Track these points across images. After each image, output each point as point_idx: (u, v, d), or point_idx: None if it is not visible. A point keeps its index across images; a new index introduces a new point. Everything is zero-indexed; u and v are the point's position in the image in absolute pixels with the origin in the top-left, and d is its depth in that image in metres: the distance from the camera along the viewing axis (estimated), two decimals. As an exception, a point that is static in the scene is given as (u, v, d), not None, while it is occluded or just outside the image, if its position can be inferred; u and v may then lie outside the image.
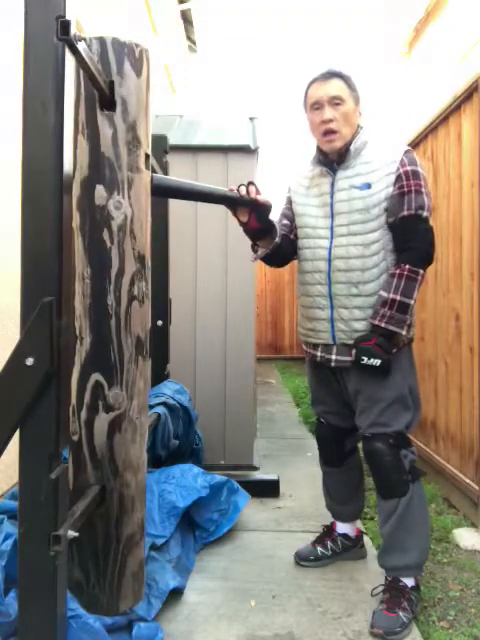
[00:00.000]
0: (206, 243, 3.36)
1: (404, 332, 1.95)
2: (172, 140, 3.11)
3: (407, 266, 1.93)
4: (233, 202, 1.85)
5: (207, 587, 2.16)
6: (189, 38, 10.15)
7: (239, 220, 1.93)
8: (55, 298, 1.13)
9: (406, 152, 2.01)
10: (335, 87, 1.97)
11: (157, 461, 2.61)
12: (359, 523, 2.50)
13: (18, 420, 1.15)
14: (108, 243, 1.36)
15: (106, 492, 1.38)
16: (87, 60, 1.06)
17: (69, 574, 1.36)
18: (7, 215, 2.23)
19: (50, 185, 1.09)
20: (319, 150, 2.11)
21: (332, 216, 2.05)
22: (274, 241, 2.06)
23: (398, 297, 1.91)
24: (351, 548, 2.38)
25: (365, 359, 1.91)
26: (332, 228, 2.05)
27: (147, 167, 1.42)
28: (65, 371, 1.24)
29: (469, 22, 7.50)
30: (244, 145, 3.31)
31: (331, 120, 1.97)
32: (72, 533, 1.16)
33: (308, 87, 2.04)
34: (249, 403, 3.39)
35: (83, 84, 1.27)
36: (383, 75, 10.54)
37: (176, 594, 2.06)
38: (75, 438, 1.37)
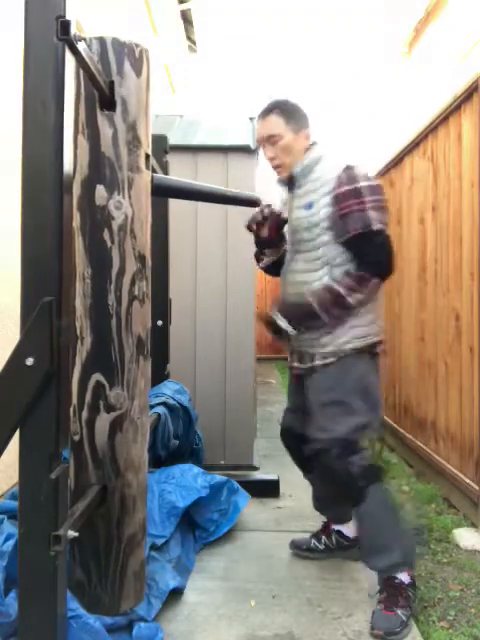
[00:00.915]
0: (206, 243, 3.36)
1: (324, 317, 1.98)
2: (172, 140, 3.11)
3: (360, 272, 1.98)
4: (233, 201, 1.86)
5: (207, 587, 2.16)
6: (189, 38, 10.14)
7: (260, 235, 2.12)
8: (55, 298, 1.13)
9: (345, 169, 1.99)
10: (270, 125, 2.08)
11: (157, 461, 2.61)
12: None
13: (18, 420, 1.15)
14: (108, 243, 1.36)
15: (108, 492, 1.38)
16: (87, 60, 1.06)
17: (71, 574, 1.36)
18: (7, 215, 2.23)
19: (50, 185, 1.09)
20: None
21: (290, 234, 2.16)
22: (283, 249, 2.21)
23: (338, 288, 1.96)
24: (349, 547, 2.38)
25: (277, 317, 2.02)
26: (290, 245, 2.17)
27: (147, 167, 1.42)
28: (65, 371, 1.24)
29: (469, 22, 7.50)
30: (244, 145, 3.30)
31: (272, 158, 2.11)
32: (72, 533, 1.16)
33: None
34: (249, 403, 3.39)
35: (83, 84, 1.27)
36: (383, 75, 10.54)
37: (176, 594, 2.06)
38: (76, 438, 1.37)
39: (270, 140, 2.08)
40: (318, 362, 2.07)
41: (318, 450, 2.02)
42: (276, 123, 2.07)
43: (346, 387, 2.02)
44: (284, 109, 2.08)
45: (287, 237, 2.19)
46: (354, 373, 2.04)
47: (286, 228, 2.19)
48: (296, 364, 2.18)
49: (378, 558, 2.00)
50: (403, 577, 1.99)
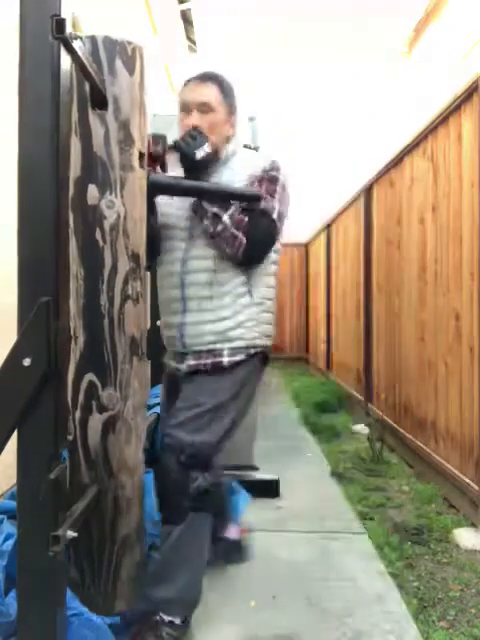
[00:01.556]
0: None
1: (208, 205, 1.80)
2: (172, 140, 3.10)
3: (246, 227, 1.80)
4: (234, 198, 1.85)
5: (207, 587, 2.15)
6: (189, 38, 10.14)
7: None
8: (52, 299, 1.13)
9: (273, 161, 1.91)
10: (206, 93, 1.87)
11: (157, 461, 2.60)
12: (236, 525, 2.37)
13: (16, 420, 1.15)
14: (101, 242, 1.36)
15: (100, 493, 1.38)
16: (82, 58, 1.06)
17: (65, 574, 1.36)
18: (6, 215, 2.22)
19: (46, 184, 1.09)
20: None
21: (192, 220, 1.89)
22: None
23: (229, 210, 1.80)
24: (234, 551, 2.28)
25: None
26: (190, 228, 1.89)
27: (141, 166, 1.42)
28: (62, 371, 1.24)
29: (469, 22, 7.50)
30: (244, 145, 3.30)
31: (196, 127, 1.86)
32: (71, 533, 1.16)
33: (184, 86, 1.93)
34: (249, 403, 3.38)
35: (76, 83, 1.27)
36: (383, 75, 10.54)
37: (176, 594, 2.05)
38: (69, 438, 1.36)
39: (201, 108, 1.86)
40: (226, 359, 1.84)
41: (172, 448, 1.75)
42: (213, 94, 1.87)
43: (234, 397, 1.86)
44: (224, 84, 1.90)
45: (183, 223, 1.90)
46: (250, 384, 1.91)
47: (177, 213, 1.92)
48: (193, 362, 1.86)
49: (159, 587, 1.76)
50: (166, 615, 1.77)
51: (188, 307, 1.87)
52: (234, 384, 1.85)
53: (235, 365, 1.85)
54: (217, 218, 1.80)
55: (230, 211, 1.81)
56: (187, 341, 1.88)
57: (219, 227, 1.80)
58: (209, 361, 1.84)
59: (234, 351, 1.84)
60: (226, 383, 1.84)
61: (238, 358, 1.85)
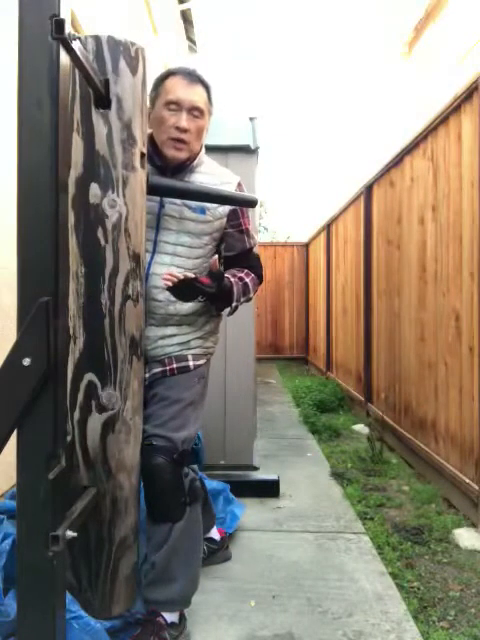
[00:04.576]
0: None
1: (235, 302, 1.85)
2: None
3: (253, 275, 1.96)
4: (231, 202, 1.85)
5: (207, 587, 2.15)
6: (189, 38, 10.15)
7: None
8: (52, 298, 1.13)
9: (239, 184, 1.94)
10: (200, 97, 1.80)
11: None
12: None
13: (15, 420, 1.15)
14: (102, 242, 1.36)
15: (99, 494, 1.38)
16: (82, 59, 1.06)
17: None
18: (5, 215, 2.23)
19: (46, 184, 1.09)
20: (154, 148, 1.83)
21: (158, 229, 1.83)
22: None
23: (250, 284, 1.93)
24: (217, 551, 2.34)
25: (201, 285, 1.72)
26: (156, 242, 1.83)
27: (143, 166, 1.42)
28: (62, 371, 1.24)
29: (469, 22, 7.50)
30: (244, 145, 3.30)
31: (186, 131, 1.78)
32: (70, 533, 1.16)
33: (167, 77, 1.81)
34: (249, 403, 3.39)
35: (78, 82, 1.27)
36: (383, 75, 10.54)
37: (175, 594, 2.05)
38: (68, 439, 1.36)
39: (193, 111, 1.78)
40: (191, 362, 1.89)
41: (165, 448, 1.72)
42: (205, 99, 1.82)
43: (202, 392, 1.95)
44: (210, 91, 1.85)
45: (153, 232, 1.82)
46: (207, 382, 2.00)
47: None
48: (159, 369, 1.87)
49: (158, 589, 1.76)
50: (169, 616, 1.77)
51: (147, 320, 1.82)
52: (200, 378, 1.94)
53: (199, 366, 1.94)
54: (248, 294, 1.94)
55: (249, 289, 1.92)
56: (151, 353, 1.86)
57: (243, 300, 1.92)
58: (175, 365, 1.89)
59: (196, 356, 1.93)
60: (194, 378, 1.91)
61: (200, 362, 1.94)
